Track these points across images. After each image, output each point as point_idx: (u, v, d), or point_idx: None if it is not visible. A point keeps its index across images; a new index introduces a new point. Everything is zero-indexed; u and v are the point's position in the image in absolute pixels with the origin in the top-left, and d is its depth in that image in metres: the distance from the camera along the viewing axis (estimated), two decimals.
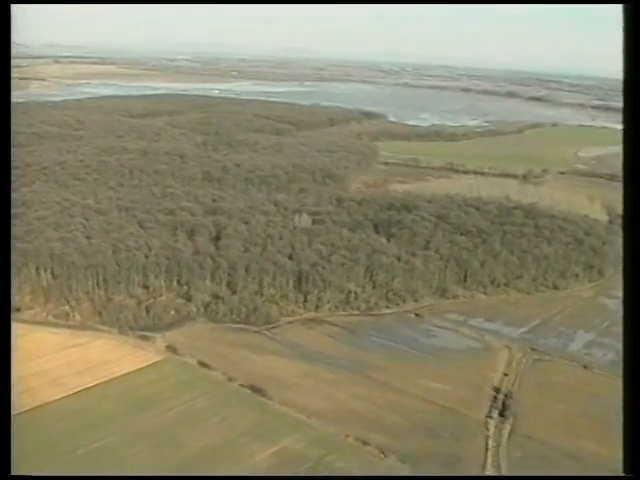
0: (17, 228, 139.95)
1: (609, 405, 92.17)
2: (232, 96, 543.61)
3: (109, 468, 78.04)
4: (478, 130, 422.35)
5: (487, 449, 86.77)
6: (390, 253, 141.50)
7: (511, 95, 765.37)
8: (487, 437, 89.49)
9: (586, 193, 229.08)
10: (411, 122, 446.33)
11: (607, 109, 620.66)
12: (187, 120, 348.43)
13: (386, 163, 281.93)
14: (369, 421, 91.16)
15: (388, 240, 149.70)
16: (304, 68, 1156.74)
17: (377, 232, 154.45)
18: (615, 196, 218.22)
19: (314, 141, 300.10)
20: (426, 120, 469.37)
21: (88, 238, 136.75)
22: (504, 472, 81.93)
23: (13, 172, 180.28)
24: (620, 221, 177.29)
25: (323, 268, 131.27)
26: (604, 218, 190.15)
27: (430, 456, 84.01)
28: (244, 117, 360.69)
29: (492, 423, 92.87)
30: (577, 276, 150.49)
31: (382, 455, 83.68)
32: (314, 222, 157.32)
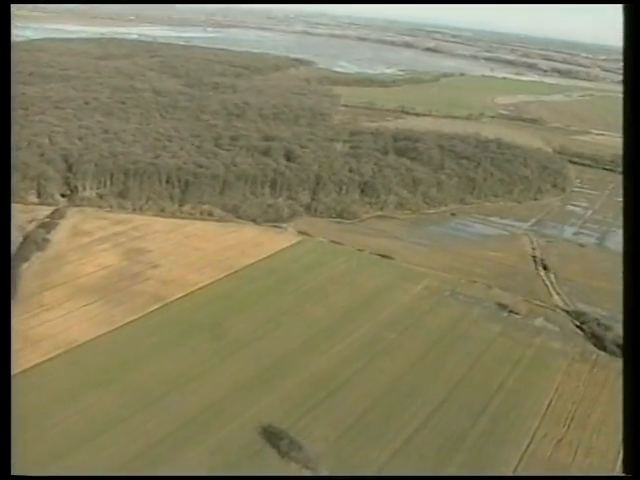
0: (132, 148, 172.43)
1: (606, 264, 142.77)
2: (150, 40, 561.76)
3: (316, 306, 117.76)
4: (399, 78, 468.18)
5: (546, 286, 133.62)
6: (420, 171, 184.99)
7: (407, 45, 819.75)
8: (543, 280, 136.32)
9: (525, 133, 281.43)
10: (337, 69, 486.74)
11: (498, 61, 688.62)
12: (146, 63, 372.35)
13: (345, 105, 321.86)
14: (466, 272, 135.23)
15: (412, 162, 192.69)
16: (197, 14, 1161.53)
17: (400, 156, 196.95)
18: (547, 135, 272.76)
19: (279, 85, 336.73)
20: (347, 67, 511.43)
21: (191, 155, 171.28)
22: (563, 295, 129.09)
23: (58, 105, 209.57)
24: (561, 155, 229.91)
25: (381, 179, 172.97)
26: (551, 150, 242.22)
27: (515, 288, 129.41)
28: (197, 61, 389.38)
29: (542, 273, 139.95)
30: (548, 191, 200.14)
31: (488, 287, 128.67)
32: (350, 148, 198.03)
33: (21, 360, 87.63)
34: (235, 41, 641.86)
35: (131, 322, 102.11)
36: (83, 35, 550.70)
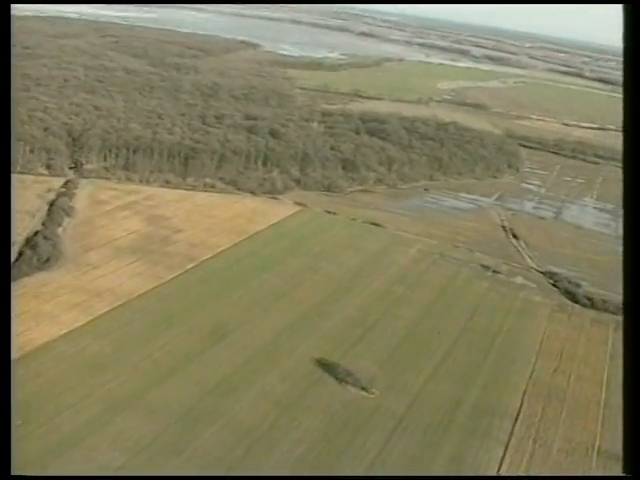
0: (130, 124, 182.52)
1: (565, 233, 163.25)
2: (93, 19, 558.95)
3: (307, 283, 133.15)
4: (344, 62, 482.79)
5: (519, 251, 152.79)
6: (392, 150, 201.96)
7: (341, 29, 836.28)
8: (515, 246, 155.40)
9: (473, 116, 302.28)
10: (282, 52, 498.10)
11: (432, 47, 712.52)
12: (102, 43, 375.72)
13: (302, 88, 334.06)
14: (449, 239, 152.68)
15: (384, 142, 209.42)
16: None
17: (372, 136, 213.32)
18: (493, 119, 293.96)
19: (236, 67, 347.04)
20: (291, 51, 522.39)
21: (185, 132, 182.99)
22: (534, 256, 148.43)
23: (39, 83, 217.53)
24: (511, 138, 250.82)
25: (360, 157, 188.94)
26: (501, 133, 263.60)
27: (493, 252, 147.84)
28: (151, 42, 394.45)
29: (513, 241, 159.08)
30: (505, 170, 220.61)
31: (470, 251, 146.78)
32: (326, 128, 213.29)
33: (92, 309, 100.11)
34: (176, 22, 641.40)
35: (175, 277, 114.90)
36: (28, 13, 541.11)
